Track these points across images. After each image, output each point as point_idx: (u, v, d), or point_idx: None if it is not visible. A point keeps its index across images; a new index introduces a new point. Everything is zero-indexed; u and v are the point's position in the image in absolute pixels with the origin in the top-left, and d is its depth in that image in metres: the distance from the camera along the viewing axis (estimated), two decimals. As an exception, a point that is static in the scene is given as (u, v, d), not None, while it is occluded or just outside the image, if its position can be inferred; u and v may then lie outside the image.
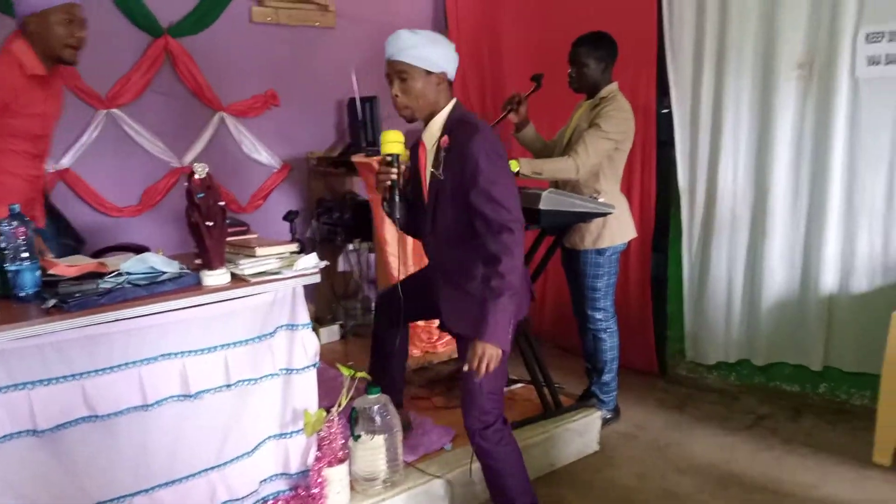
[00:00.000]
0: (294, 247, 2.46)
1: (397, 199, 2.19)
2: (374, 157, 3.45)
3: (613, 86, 3.11)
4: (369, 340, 2.79)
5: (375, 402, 2.51)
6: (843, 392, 3.42)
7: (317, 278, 2.39)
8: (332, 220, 4.06)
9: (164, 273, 2.24)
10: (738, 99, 3.41)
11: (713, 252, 3.58)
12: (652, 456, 3.05)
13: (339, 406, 2.45)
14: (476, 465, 2.40)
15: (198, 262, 2.37)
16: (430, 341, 3.70)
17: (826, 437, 3.15)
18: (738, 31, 3.37)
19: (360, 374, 2.45)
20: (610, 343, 3.20)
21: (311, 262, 2.35)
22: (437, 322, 2.56)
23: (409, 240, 3.51)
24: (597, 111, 3.00)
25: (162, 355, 2.15)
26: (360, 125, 3.86)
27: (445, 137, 2.12)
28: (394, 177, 2.17)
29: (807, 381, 3.49)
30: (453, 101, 2.20)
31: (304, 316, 2.41)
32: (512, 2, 4.34)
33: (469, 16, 4.51)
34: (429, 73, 2.10)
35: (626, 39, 3.22)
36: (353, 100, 4.08)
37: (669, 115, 3.62)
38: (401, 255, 3.51)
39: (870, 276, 3.23)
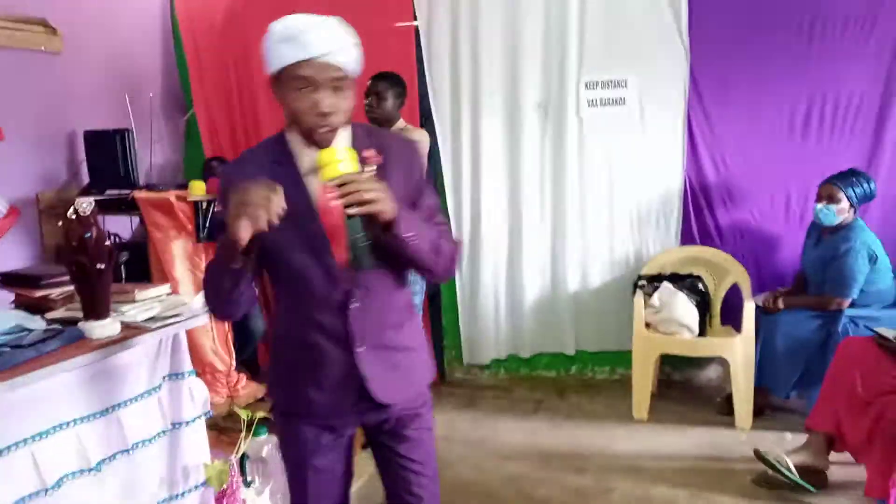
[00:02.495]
0: (166, 288, 2.25)
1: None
2: (170, 192, 3.21)
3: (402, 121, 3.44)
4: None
5: (266, 443, 2.41)
6: (589, 370, 4.21)
7: (205, 319, 2.23)
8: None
9: (34, 330, 1.90)
10: (493, 134, 3.99)
11: (481, 266, 4.10)
12: (476, 451, 3.38)
13: (237, 453, 2.30)
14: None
15: (60, 314, 2.05)
16: (230, 385, 3.52)
17: (591, 408, 3.84)
18: (488, 75, 3.95)
19: (259, 415, 2.33)
20: (424, 356, 3.46)
21: (201, 303, 2.19)
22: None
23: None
24: (406, 135, 3.27)
25: (55, 426, 1.83)
26: (128, 159, 3.52)
27: (373, 151, 1.57)
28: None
29: (562, 365, 4.21)
30: None
31: (187, 363, 2.23)
32: (258, 31, 4.29)
33: (209, 42, 4.34)
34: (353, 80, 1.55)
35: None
36: (92, 133, 3.72)
37: (435, 148, 4.04)
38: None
39: (602, 273, 4.06)
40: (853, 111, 3.72)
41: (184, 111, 4.55)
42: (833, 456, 2.87)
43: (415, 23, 4.00)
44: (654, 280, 3.84)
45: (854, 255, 3.31)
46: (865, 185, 3.37)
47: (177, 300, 2.19)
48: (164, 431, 2.13)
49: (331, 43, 1.46)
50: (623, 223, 4.02)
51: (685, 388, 4.04)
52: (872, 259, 3.33)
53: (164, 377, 2.15)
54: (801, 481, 2.77)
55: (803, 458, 2.83)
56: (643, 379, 3.65)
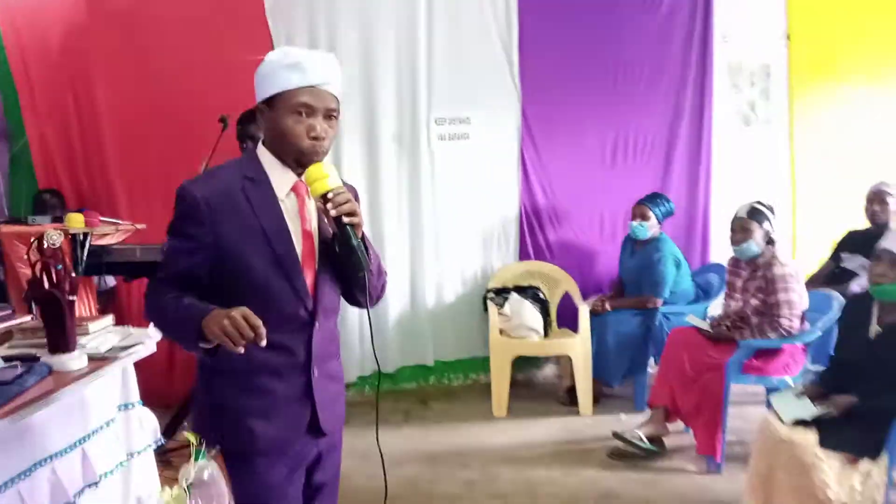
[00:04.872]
0: (109, 319, 2.23)
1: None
2: (44, 226, 3.04)
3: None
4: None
5: (205, 466, 2.44)
6: (446, 378, 4.59)
7: (153, 348, 2.24)
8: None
9: (-2, 367, 1.84)
10: (353, 163, 4.26)
11: (345, 288, 4.31)
12: (364, 462, 3.52)
13: (187, 478, 2.31)
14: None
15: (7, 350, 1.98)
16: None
17: (457, 412, 4.21)
18: (347, 109, 4.17)
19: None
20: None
21: (157, 333, 2.21)
22: None
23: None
24: None
25: (35, 464, 1.79)
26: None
27: None
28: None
29: (421, 376, 4.55)
30: None
31: (136, 392, 2.23)
32: (102, 52, 4.06)
33: (42, 64, 4.04)
34: None
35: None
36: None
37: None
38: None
39: (454, 289, 4.49)
40: (649, 145, 4.58)
41: (6, 138, 4.21)
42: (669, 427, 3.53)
43: (271, 57, 4.14)
44: (501, 292, 4.34)
45: (664, 262, 4.06)
46: (667, 205, 4.16)
47: (125, 330, 2.19)
48: (122, 463, 2.12)
49: (331, 75, 1.56)
50: (471, 243, 4.51)
51: (528, 387, 4.57)
52: (677, 265, 4.11)
53: (117, 407, 2.14)
54: (651, 447, 3.38)
55: (648, 430, 3.45)
56: (501, 380, 4.11)
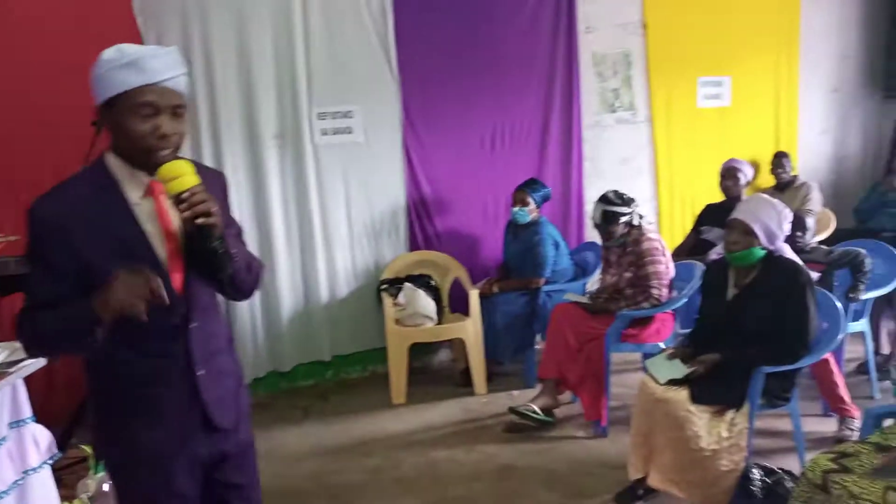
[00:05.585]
0: (-8, 336, 2.16)
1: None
2: None
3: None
4: None
5: (104, 479, 2.40)
6: (344, 372, 4.63)
7: (44, 361, 2.18)
8: None
9: None
10: (235, 162, 4.19)
11: (235, 289, 4.25)
12: (268, 462, 3.44)
13: (87, 491, 2.27)
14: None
15: None
16: None
17: (356, 403, 4.26)
18: (225, 106, 4.14)
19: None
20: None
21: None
22: None
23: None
24: None
25: (-75, 491, 1.73)
26: None
27: None
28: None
29: (319, 372, 4.57)
30: None
31: (27, 409, 2.17)
32: None
33: None
34: None
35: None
36: None
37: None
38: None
39: (348, 282, 4.53)
40: (525, 133, 4.80)
41: None
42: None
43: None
44: (394, 283, 4.43)
45: (544, 244, 4.29)
46: (544, 190, 4.39)
47: (11, 345, 2.12)
48: (17, 482, 2.06)
49: (173, 69, 1.48)
50: (361, 236, 4.56)
51: (425, 372, 4.69)
52: (556, 245, 4.35)
53: (9, 424, 2.07)
54: (544, 417, 3.59)
55: (540, 402, 3.66)
56: (399, 368, 4.21)
